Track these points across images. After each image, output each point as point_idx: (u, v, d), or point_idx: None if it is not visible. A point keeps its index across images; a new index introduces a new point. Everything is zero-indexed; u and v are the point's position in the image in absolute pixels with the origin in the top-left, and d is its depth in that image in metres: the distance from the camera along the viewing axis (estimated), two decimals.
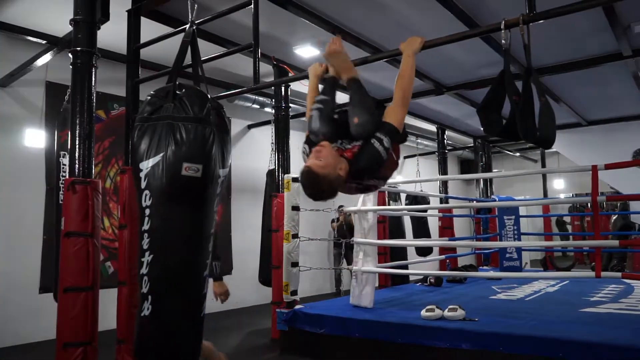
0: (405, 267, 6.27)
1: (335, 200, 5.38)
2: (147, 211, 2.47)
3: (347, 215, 7.22)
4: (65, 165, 4.18)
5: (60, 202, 4.10)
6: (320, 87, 2.39)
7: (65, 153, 4.11)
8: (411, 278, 7.04)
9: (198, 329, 2.57)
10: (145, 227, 2.47)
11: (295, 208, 4.75)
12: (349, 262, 5.79)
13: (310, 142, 2.17)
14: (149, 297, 2.43)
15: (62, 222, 3.21)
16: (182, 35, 2.91)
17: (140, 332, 2.49)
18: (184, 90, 2.61)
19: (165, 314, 2.44)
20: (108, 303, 4.00)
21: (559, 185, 13.29)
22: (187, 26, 3.03)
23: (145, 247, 2.47)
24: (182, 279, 2.49)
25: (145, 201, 2.47)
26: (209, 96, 2.68)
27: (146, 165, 2.46)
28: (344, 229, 7.82)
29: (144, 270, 2.46)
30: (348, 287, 5.45)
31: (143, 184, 2.48)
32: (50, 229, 5.24)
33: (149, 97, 2.64)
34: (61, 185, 4.12)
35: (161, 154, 2.44)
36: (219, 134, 2.58)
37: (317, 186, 1.95)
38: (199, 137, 2.48)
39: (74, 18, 3.44)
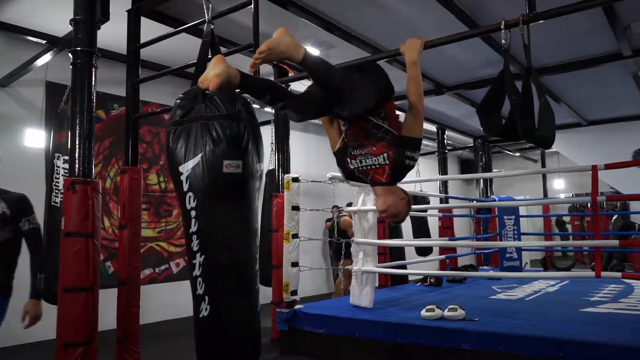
0: (405, 267, 6.27)
1: (332, 200, 5.33)
2: (193, 213, 2.47)
3: (339, 215, 7.15)
4: (59, 167, 4.13)
5: (53, 204, 4.09)
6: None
7: (60, 155, 4.09)
8: (411, 278, 7.04)
9: (256, 324, 2.59)
10: (193, 229, 2.47)
11: (295, 208, 4.74)
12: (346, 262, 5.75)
13: (348, 173, 2.23)
14: (206, 297, 2.45)
15: (62, 222, 3.21)
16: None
17: (200, 332, 2.51)
18: None
19: (223, 313, 2.46)
20: (108, 303, 3.99)
21: (559, 185, 13.29)
22: (205, 26, 3.04)
23: (195, 249, 2.48)
24: (235, 276, 2.50)
25: (189, 203, 2.47)
26: (237, 92, 2.67)
27: (186, 167, 2.46)
28: (337, 229, 7.73)
29: (197, 272, 2.47)
30: (347, 287, 5.44)
31: (185, 187, 2.48)
32: (50, 229, 5.23)
33: (178, 101, 2.64)
34: (54, 187, 4.08)
35: (200, 154, 2.43)
36: (252, 128, 2.58)
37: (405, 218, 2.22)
38: (235, 133, 2.47)
39: (73, 18, 3.44)
